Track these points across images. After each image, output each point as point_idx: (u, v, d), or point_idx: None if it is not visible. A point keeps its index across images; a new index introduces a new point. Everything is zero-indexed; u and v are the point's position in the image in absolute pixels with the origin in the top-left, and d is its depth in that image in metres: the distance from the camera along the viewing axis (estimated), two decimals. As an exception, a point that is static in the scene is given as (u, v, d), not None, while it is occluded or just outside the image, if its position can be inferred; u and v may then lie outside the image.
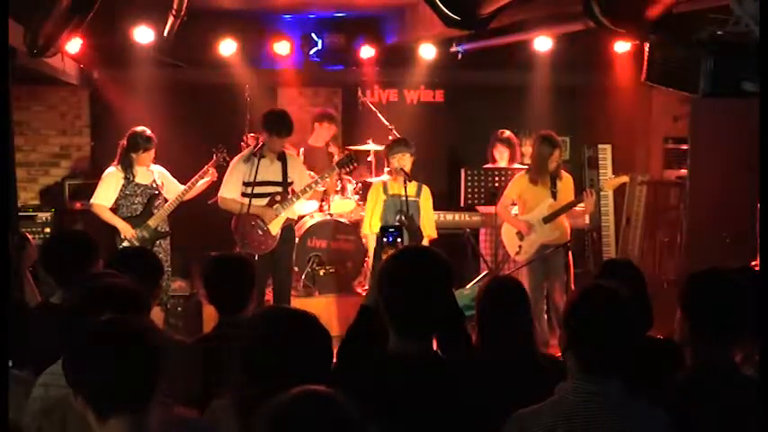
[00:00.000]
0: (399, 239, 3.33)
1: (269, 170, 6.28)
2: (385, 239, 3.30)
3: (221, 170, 6.51)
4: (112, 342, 2.02)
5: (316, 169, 6.94)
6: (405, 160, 6.17)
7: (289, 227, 6.45)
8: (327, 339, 2.20)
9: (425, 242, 6.20)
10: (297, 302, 6.71)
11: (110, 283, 2.74)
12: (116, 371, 1.97)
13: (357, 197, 7.54)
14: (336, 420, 1.67)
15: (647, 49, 4.63)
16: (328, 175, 6.54)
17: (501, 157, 7.47)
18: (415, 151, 6.25)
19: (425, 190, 6.36)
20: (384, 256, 3.13)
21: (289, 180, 6.36)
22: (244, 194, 6.28)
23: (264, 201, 6.28)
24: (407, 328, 2.39)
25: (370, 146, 7.52)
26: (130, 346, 2.02)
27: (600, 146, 8.73)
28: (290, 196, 6.31)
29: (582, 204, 6.50)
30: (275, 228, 6.29)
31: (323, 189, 6.76)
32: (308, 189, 6.34)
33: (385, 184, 6.36)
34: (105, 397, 1.98)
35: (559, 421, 2.23)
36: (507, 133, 7.53)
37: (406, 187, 6.11)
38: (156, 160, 6.54)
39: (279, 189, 6.31)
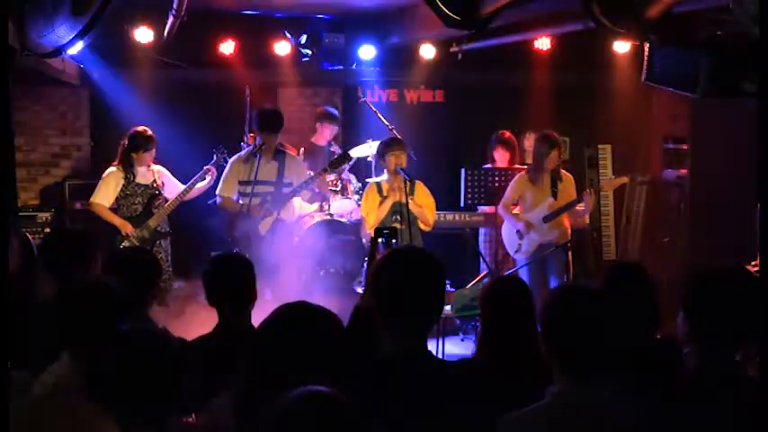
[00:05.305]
0: (394, 240, 3.30)
1: (264, 170, 6.25)
2: (380, 240, 3.29)
3: (221, 170, 6.50)
4: (140, 356, 2.04)
5: (317, 168, 6.92)
6: (403, 159, 6.16)
7: (283, 226, 6.39)
8: (332, 339, 2.17)
9: (426, 229, 6.26)
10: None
11: (90, 284, 2.74)
12: (145, 384, 2.00)
13: (357, 197, 7.52)
14: (337, 421, 1.67)
15: (647, 49, 4.64)
16: (321, 175, 6.48)
17: (502, 158, 7.46)
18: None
19: (418, 185, 6.34)
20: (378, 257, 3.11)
21: (286, 180, 6.32)
22: (243, 194, 6.28)
23: (260, 200, 6.26)
24: (402, 328, 2.38)
25: (368, 151, 7.50)
26: (160, 361, 2.03)
27: (600, 146, 8.71)
28: (280, 196, 6.27)
29: (581, 204, 6.49)
30: (264, 228, 6.26)
31: (317, 191, 6.70)
32: (299, 189, 6.28)
33: (379, 185, 6.35)
34: (133, 409, 1.99)
35: (550, 424, 2.21)
36: (508, 134, 7.52)
37: (406, 188, 6.10)
38: (157, 160, 6.54)
39: (272, 189, 6.28)
